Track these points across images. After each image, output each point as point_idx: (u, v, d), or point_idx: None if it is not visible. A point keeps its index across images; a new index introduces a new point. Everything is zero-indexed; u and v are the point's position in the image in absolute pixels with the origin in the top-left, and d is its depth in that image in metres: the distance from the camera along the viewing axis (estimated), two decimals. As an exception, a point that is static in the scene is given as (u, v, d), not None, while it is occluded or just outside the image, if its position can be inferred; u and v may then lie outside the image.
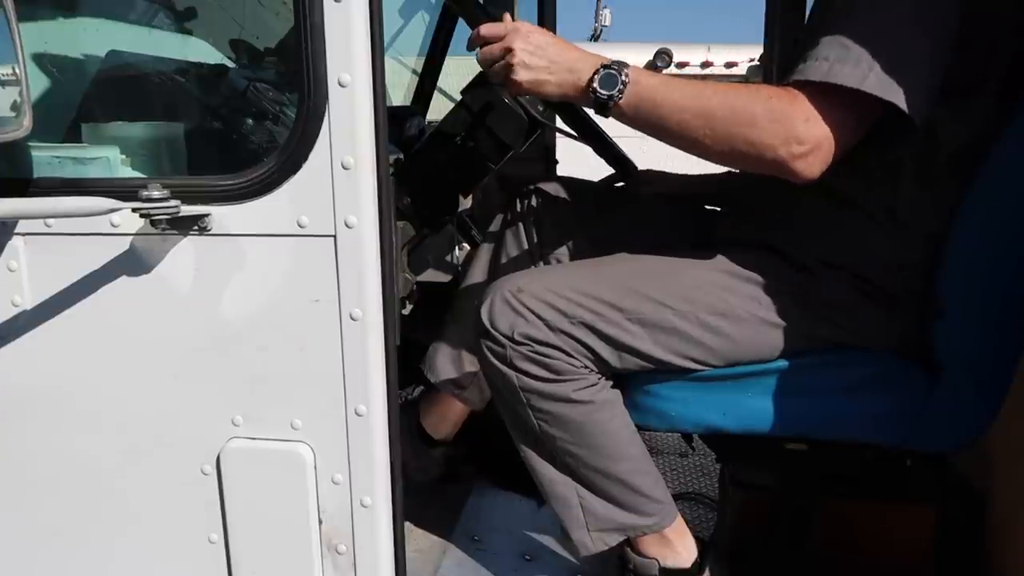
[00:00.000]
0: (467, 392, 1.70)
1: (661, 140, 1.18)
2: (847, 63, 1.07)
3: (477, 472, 1.90)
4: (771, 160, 1.11)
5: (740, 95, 1.14)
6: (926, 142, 1.17)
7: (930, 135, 1.16)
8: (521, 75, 1.18)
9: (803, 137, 1.08)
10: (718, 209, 1.65)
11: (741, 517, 1.54)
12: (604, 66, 1.16)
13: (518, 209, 1.68)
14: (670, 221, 1.61)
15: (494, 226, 1.72)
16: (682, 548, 1.38)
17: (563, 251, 1.66)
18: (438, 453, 1.77)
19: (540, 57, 1.18)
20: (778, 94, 1.11)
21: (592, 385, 1.28)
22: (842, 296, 1.27)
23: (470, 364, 1.67)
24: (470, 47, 1.25)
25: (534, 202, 1.66)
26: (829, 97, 1.08)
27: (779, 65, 2.08)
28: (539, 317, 1.25)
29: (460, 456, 1.85)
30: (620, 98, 1.15)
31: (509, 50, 1.18)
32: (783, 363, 1.30)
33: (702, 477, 2.19)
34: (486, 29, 1.21)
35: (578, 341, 1.26)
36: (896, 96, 1.06)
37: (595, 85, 1.15)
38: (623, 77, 1.15)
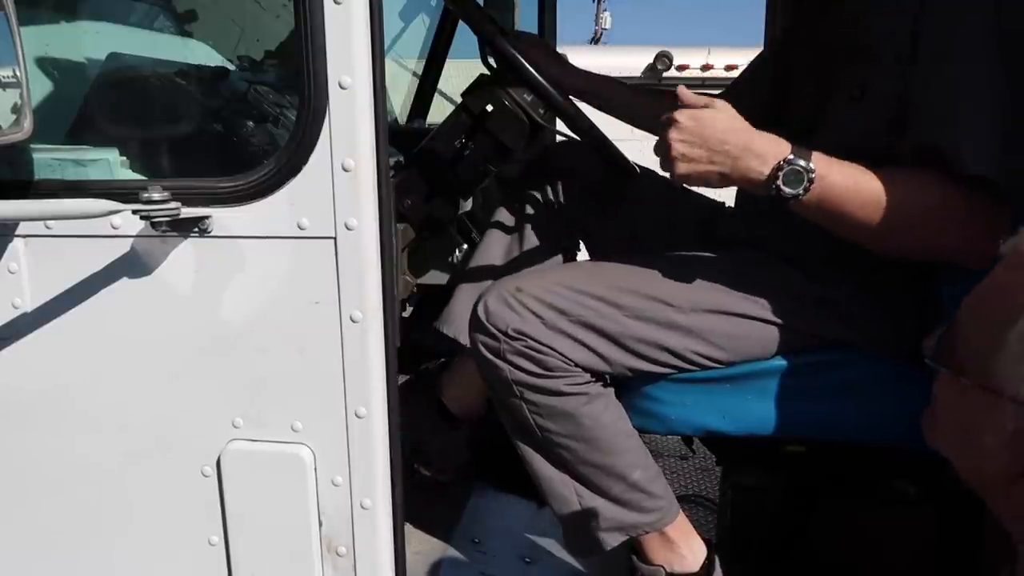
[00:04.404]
0: None
1: (831, 230, 1.15)
2: (978, 148, 1.04)
3: (477, 474, 1.90)
4: (951, 260, 1.12)
5: (923, 192, 1.09)
6: None
7: None
8: (681, 168, 1.13)
9: (983, 235, 0.99)
10: (718, 207, 1.65)
11: (741, 519, 1.54)
12: (787, 160, 1.09)
13: (518, 203, 1.67)
14: (669, 219, 1.61)
15: (496, 216, 1.71)
16: (688, 552, 1.36)
17: (562, 248, 1.66)
18: (460, 436, 1.70)
19: (698, 147, 1.12)
20: (952, 194, 1.07)
21: (585, 382, 1.28)
22: (841, 296, 1.27)
23: None
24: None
25: (535, 195, 1.65)
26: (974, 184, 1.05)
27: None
28: (537, 316, 1.25)
29: (484, 443, 1.75)
30: (804, 196, 1.10)
31: (673, 122, 1.13)
32: (782, 365, 1.30)
33: (702, 479, 2.19)
34: (684, 95, 1.14)
35: (576, 340, 1.26)
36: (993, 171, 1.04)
37: (779, 183, 1.10)
38: (810, 174, 1.08)
